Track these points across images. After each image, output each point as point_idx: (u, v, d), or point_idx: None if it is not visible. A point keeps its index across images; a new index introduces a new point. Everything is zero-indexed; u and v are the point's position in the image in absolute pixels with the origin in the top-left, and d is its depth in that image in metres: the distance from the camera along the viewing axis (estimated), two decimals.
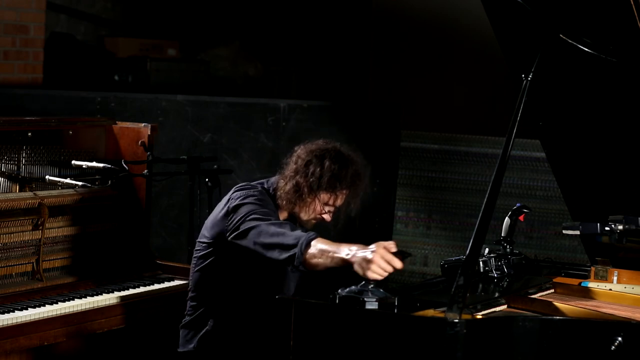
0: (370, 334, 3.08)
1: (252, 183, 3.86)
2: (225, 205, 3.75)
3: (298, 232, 3.51)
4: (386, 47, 7.32)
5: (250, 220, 3.62)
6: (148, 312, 4.21)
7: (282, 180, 3.79)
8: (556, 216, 6.19)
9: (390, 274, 3.29)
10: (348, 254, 3.34)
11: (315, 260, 3.43)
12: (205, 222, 3.88)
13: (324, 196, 3.75)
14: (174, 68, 8.04)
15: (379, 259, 3.27)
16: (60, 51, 7.92)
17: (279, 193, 3.79)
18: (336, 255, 3.38)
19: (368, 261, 3.27)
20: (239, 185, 3.84)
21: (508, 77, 3.78)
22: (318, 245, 3.43)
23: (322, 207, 3.77)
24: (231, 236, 3.67)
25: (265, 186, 3.85)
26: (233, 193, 3.77)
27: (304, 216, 3.80)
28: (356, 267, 3.30)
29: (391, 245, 3.31)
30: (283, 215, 3.82)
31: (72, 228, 4.25)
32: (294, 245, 3.46)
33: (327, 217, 3.80)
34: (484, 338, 3.01)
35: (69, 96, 6.09)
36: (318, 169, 3.73)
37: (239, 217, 3.65)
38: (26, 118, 4.35)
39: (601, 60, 3.43)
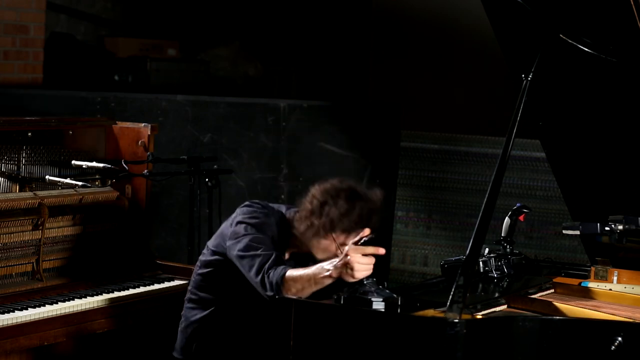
0: (369, 334, 3.08)
1: (268, 205, 3.80)
2: (233, 217, 3.75)
3: (270, 274, 3.49)
4: (386, 47, 7.31)
5: (240, 243, 3.62)
6: (148, 312, 4.21)
7: (298, 221, 3.71)
8: (556, 216, 6.19)
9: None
10: (329, 271, 3.38)
11: (299, 293, 3.42)
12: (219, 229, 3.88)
13: (340, 237, 3.64)
14: (174, 68, 8.03)
15: (357, 259, 3.32)
16: (60, 51, 7.91)
17: (294, 231, 3.72)
18: (318, 277, 3.40)
19: (349, 267, 3.32)
20: (252, 201, 3.80)
21: (508, 77, 3.78)
22: (293, 280, 3.43)
23: (337, 248, 3.64)
24: (226, 250, 3.70)
25: (287, 215, 3.78)
26: (242, 207, 3.75)
27: (320, 256, 3.70)
28: (344, 277, 3.35)
29: (356, 240, 3.39)
30: (290, 251, 3.78)
31: (72, 228, 4.25)
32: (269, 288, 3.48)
33: None
34: (484, 338, 3.01)
35: (69, 96, 6.08)
36: (333, 210, 3.62)
37: (233, 237, 3.66)
38: (26, 118, 4.35)
39: (601, 60, 3.43)
